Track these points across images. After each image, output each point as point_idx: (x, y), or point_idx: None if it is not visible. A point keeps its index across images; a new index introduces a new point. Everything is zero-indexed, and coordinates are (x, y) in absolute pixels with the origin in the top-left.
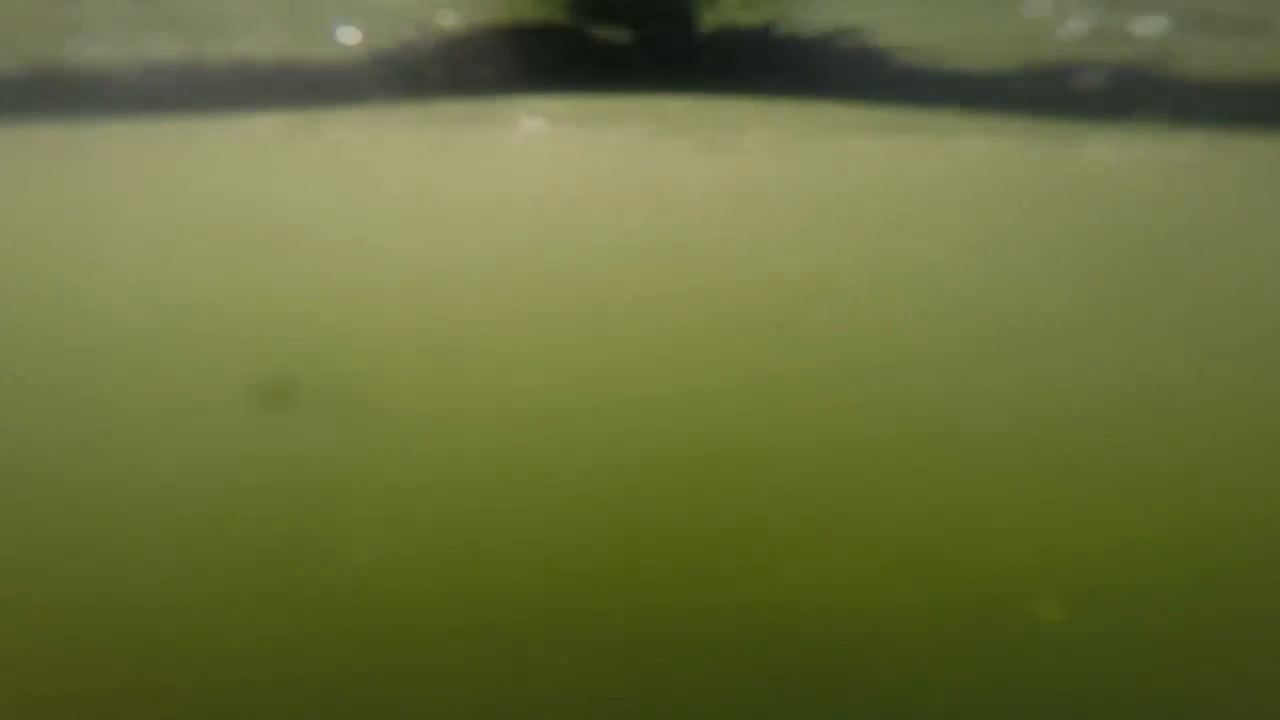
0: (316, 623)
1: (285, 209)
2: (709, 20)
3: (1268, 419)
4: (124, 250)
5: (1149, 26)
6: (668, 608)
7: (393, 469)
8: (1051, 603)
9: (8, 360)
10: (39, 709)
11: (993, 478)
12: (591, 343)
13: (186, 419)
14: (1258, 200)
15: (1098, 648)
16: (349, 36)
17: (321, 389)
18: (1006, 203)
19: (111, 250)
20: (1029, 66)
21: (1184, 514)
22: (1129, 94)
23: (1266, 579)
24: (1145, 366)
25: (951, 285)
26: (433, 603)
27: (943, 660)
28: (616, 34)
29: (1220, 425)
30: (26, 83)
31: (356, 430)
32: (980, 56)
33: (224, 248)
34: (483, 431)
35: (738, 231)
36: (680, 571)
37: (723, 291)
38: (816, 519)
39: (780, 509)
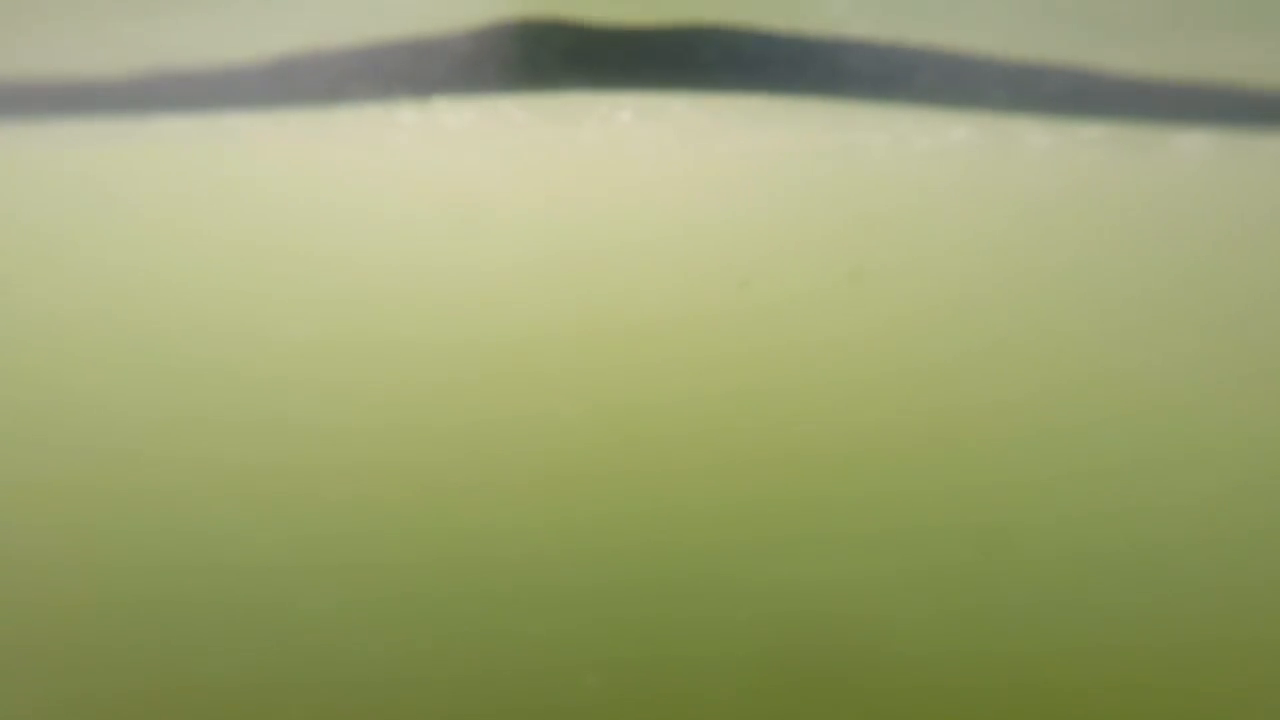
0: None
1: (294, 207)
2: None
3: None
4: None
5: None
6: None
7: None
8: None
9: None
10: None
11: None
12: (596, 341)
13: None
14: None
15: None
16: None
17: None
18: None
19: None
20: None
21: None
22: None
23: None
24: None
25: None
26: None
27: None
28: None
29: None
30: None
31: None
32: None
33: (220, 245)
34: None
35: (757, 227)
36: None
37: (731, 289)
38: (817, 512)
39: (779, 504)
